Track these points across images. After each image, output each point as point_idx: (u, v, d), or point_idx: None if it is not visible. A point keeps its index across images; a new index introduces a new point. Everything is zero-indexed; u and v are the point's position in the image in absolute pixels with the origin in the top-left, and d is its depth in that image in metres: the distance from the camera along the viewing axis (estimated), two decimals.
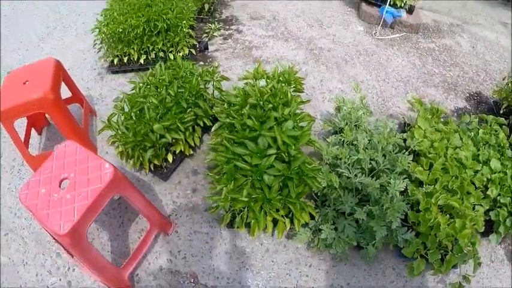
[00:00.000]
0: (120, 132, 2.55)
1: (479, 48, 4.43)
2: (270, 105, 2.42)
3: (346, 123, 2.81)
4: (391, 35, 4.32)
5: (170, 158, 2.64)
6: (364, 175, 2.46)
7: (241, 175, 2.21)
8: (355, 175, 2.38)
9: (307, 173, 2.21)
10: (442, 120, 3.09)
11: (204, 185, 2.79)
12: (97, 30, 3.45)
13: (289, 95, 2.55)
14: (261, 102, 2.46)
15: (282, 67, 2.87)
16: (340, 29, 4.27)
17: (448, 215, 2.41)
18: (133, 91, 2.74)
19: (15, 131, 2.70)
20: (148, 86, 2.68)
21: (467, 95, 3.84)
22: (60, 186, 2.01)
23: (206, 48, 3.77)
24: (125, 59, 3.53)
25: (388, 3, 4.18)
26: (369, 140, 2.70)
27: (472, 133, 3.03)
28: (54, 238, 2.43)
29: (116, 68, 3.61)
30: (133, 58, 3.50)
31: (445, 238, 2.26)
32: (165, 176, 2.75)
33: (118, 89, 3.54)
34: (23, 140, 2.81)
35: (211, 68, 2.82)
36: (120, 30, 3.30)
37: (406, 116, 3.41)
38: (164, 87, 2.61)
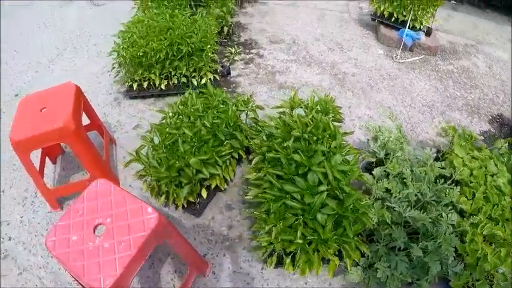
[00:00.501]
0: (150, 167, 2.32)
1: (495, 68, 4.36)
2: (315, 138, 2.24)
3: (387, 154, 2.64)
4: (411, 58, 4.21)
5: (204, 193, 2.42)
6: (411, 208, 2.30)
7: (291, 214, 2.01)
8: (405, 209, 2.22)
9: (360, 209, 2.02)
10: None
11: (240, 221, 2.57)
12: (115, 53, 3.23)
13: (331, 126, 2.38)
14: (305, 135, 2.28)
15: (317, 95, 2.70)
16: (361, 52, 4.15)
17: (491, 244, 2.29)
18: (163, 121, 2.53)
19: (31, 163, 2.45)
20: (180, 116, 2.46)
21: (490, 117, 3.73)
22: (94, 233, 1.77)
23: (228, 73, 3.59)
24: (145, 84, 3.30)
25: (407, 26, 4.08)
26: (411, 171, 2.55)
27: (505, 158, 2.92)
28: (75, 279, 2.17)
29: (134, 93, 3.39)
30: (155, 83, 3.28)
31: (493, 268, 2.15)
32: (197, 212, 2.51)
33: (137, 115, 3.31)
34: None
35: (246, 97, 2.62)
36: (141, 54, 3.09)
37: (436, 142, 3.27)
38: (199, 118, 2.39)
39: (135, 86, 3.31)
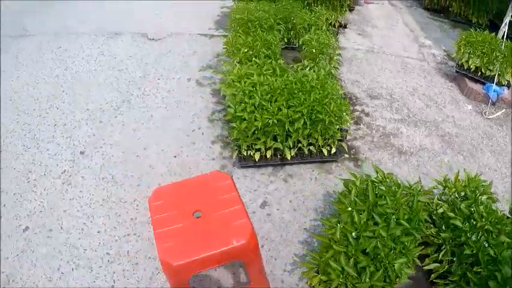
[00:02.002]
0: (348, 276, 1.93)
1: None
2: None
3: None
4: (495, 113, 4.13)
5: None
6: None
7: None
8: None
9: None
10: None
11: None
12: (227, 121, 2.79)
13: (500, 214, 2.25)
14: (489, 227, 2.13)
15: (468, 175, 2.52)
16: (454, 108, 4.00)
17: None
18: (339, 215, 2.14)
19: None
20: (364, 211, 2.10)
21: None
22: None
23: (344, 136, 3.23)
24: (268, 154, 2.86)
25: (495, 81, 4.01)
26: None
27: None
28: None
29: (250, 163, 2.92)
30: (283, 155, 2.85)
31: None
32: None
33: (259, 190, 2.85)
34: None
35: (416, 184, 2.33)
36: (275, 121, 2.66)
37: None
38: (392, 214, 2.05)
39: (256, 156, 2.84)
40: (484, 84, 4.20)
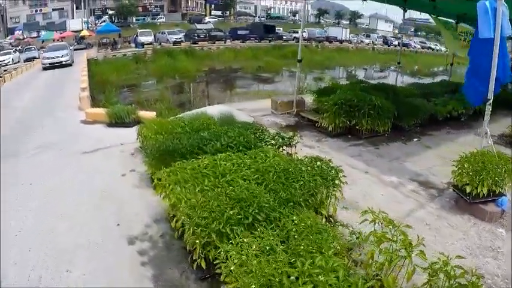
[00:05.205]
0: None
1: None
2: None
3: None
4: None
5: None
6: None
7: None
8: None
9: None
10: None
11: None
12: None
13: None
14: None
15: None
16: (502, 244, 3.48)
17: None
18: None
19: None
20: None
21: None
22: None
23: None
24: None
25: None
26: None
27: None
28: None
29: None
30: None
31: None
32: None
33: None
34: None
35: None
36: None
37: None
38: None
39: None
40: (492, 202, 4.00)
